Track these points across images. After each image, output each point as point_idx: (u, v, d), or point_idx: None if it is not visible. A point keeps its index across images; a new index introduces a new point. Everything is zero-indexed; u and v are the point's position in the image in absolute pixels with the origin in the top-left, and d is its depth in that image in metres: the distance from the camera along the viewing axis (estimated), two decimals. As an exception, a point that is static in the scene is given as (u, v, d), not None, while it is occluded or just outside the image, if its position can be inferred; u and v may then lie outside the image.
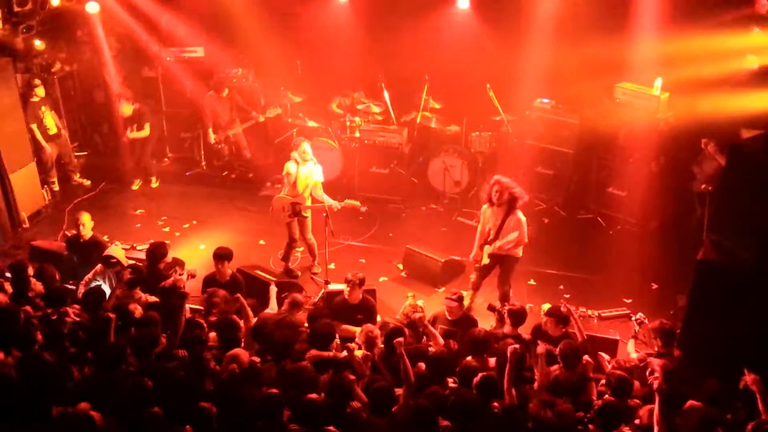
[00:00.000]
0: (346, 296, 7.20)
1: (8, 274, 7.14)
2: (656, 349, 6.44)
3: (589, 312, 8.04)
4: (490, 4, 10.30)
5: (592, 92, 9.87)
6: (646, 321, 7.52)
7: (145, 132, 10.58)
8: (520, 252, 7.71)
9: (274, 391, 5.27)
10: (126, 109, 10.42)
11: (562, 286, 8.52)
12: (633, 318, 7.73)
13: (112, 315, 6.17)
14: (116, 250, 7.66)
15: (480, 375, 5.49)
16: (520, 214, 7.54)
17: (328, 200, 8.24)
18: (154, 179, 10.90)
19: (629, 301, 8.19)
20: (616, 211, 9.79)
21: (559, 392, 5.69)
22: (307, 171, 8.31)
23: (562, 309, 6.67)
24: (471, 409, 5.14)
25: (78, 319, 6.45)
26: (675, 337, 6.33)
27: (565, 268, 8.91)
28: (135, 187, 10.75)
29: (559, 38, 9.75)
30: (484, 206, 7.76)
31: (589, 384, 5.82)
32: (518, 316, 6.69)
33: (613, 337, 7.15)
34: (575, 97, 10.04)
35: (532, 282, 8.71)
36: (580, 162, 10.18)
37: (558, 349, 6.00)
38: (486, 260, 7.69)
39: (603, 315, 8.02)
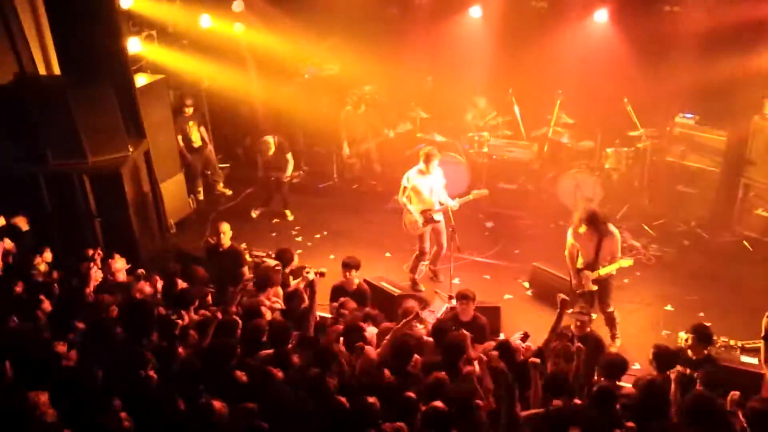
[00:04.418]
0: (458, 313, 7.14)
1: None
2: None
3: (731, 342, 7.52)
4: (629, 16, 9.97)
5: (740, 106, 9.28)
6: None
7: (290, 166, 10.37)
8: (614, 270, 7.47)
9: (412, 395, 5.34)
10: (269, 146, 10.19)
11: (702, 314, 7.97)
12: None
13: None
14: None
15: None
16: (614, 230, 7.37)
17: (452, 202, 8.29)
18: (289, 212, 10.56)
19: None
20: (765, 234, 9.14)
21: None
22: (433, 179, 8.38)
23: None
24: None
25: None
26: None
27: (705, 294, 8.39)
28: (254, 214, 10.57)
29: (703, 48, 9.24)
30: (575, 228, 7.45)
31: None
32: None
33: (757, 370, 6.60)
34: (722, 111, 9.44)
35: (669, 308, 8.26)
36: (725, 181, 9.60)
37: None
38: (593, 287, 7.45)
39: (747, 346, 7.45)
